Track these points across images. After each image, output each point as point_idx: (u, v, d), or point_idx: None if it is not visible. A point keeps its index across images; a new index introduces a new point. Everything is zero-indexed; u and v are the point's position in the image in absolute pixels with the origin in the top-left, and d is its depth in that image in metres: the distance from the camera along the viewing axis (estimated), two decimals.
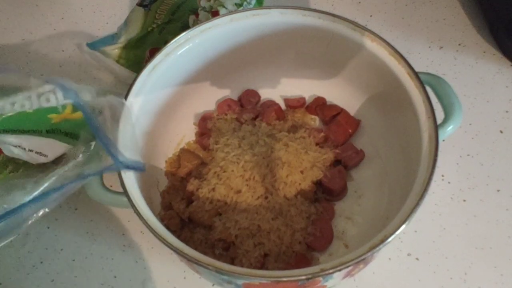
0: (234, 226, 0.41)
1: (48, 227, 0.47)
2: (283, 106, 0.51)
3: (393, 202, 0.41)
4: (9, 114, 0.37)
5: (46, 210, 0.34)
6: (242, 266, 0.40)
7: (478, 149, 0.48)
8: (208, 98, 0.51)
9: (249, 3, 0.55)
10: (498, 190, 0.46)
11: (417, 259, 0.43)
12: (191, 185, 0.43)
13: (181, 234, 0.43)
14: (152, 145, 0.44)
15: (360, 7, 0.62)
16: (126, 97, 0.40)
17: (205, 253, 0.33)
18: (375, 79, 0.44)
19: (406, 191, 0.35)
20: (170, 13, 0.53)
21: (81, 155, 0.35)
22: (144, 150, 0.42)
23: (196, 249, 0.33)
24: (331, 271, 0.30)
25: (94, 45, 0.52)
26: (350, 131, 0.48)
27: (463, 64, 0.55)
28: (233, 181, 0.42)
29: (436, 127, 0.36)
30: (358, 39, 0.42)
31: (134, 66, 0.52)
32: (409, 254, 0.43)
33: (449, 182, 0.46)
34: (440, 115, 0.38)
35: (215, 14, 0.52)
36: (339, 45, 0.44)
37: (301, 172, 0.44)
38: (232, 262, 0.41)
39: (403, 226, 0.32)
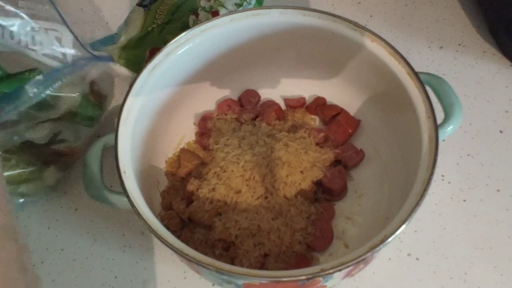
0: (234, 226, 0.41)
1: (49, 228, 0.47)
2: (283, 106, 0.51)
3: (393, 202, 0.41)
4: None
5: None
6: (242, 266, 0.40)
7: (478, 149, 0.48)
8: (208, 98, 0.51)
9: (249, 3, 0.55)
10: (498, 190, 0.46)
11: (417, 259, 0.43)
12: (191, 185, 0.43)
13: (181, 234, 0.43)
14: (152, 145, 0.44)
15: (360, 7, 0.62)
16: (126, 97, 0.40)
17: (205, 253, 0.33)
18: (375, 79, 0.44)
19: (406, 191, 0.35)
20: (170, 13, 0.53)
21: None
22: (144, 150, 0.42)
23: (196, 249, 0.33)
24: (331, 271, 0.30)
25: (94, 45, 0.52)
26: (350, 131, 0.48)
27: (463, 64, 0.55)
28: (233, 181, 0.42)
29: (436, 127, 0.36)
30: (358, 39, 0.42)
31: (134, 66, 0.51)
32: (409, 254, 0.43)
33: (449, 182, 0.46)
34: (440, 115, 0.38)
35: (215, 14, 0.52)
36: (339, 45, 0.44)
37: (301, 172, 0.44)
38: (232, 262, 0.41)
39: (403, 226, 0.32)
